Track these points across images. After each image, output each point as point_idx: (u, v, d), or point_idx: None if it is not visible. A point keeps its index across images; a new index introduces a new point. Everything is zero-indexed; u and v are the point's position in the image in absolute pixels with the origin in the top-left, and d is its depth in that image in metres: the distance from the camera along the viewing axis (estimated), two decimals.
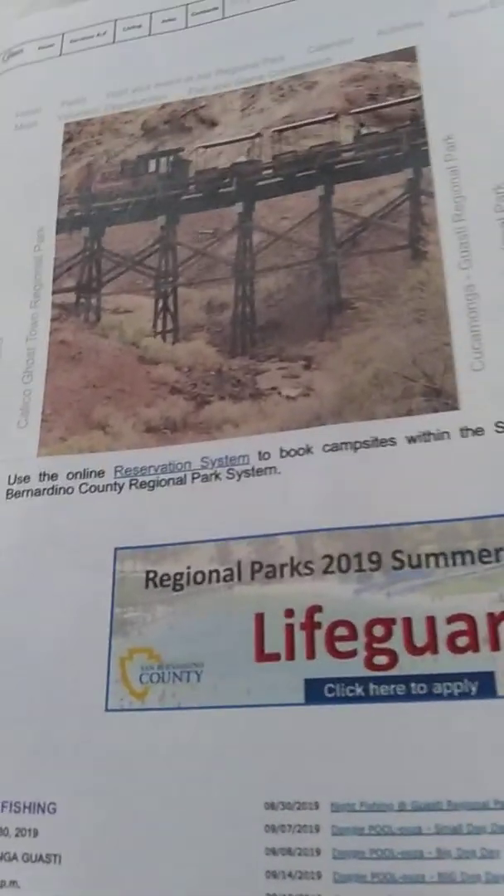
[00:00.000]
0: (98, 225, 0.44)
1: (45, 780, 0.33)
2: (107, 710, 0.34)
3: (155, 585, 0.35)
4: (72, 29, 0.48)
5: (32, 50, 0.48)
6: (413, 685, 0.31)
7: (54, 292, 0.42)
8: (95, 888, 0.32)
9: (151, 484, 0.37)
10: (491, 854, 0.29)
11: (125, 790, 0.32)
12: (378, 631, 0.32)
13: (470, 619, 0.32)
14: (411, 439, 0.35)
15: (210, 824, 0.31)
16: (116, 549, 0.36)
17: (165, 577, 0.35)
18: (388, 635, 0.32)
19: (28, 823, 0.33)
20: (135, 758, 0.33)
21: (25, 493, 0.38)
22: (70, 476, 0.38)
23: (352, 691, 0.32)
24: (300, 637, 0.33)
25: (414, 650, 0.32)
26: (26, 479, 0.38)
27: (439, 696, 0.31)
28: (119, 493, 0.37)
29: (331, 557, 0.34)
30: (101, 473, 0.38)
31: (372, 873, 0.29)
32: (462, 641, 0.31)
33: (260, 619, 0.33)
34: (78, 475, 0.38)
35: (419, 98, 0.41)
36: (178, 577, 0.35)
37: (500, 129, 0.39)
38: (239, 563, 0.35)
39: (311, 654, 0.32)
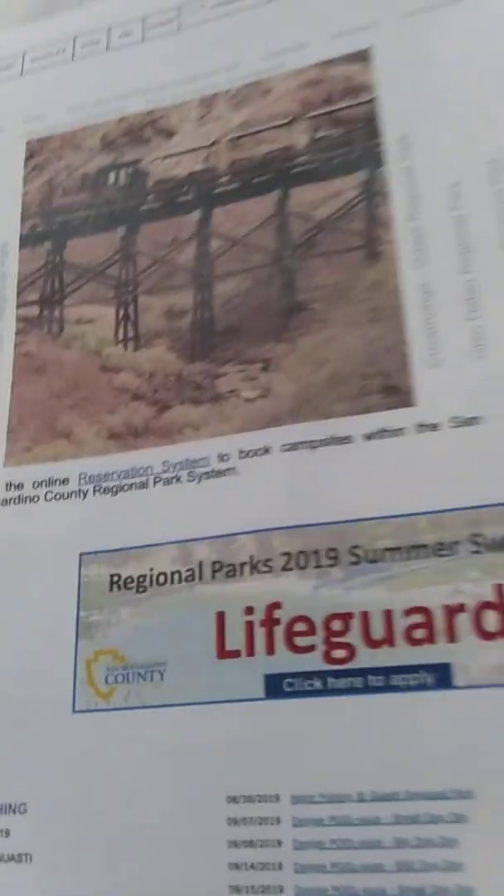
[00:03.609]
0: (60, 238, 0.44)
1: (15, 781, 0.34)
2: (74, 711, 0.34)
3: (119, 588, 0.35)
4: (32, 48, 0.49)
5: None
6: (371, 678, 0.32)
7: (18, 306, 0.43)
8: (67, 887, 0.32)
9: (115, 489, 0.37)
10: (448, 842, 0.29)
11: (93, 789, 0.33)
12: (336, 625, 0.32)
13: (426, 612, 0.32)
14: (368, 436, 0.35)
15: (175, 819, 0.32)
16: (81, 555, 0.36)
17: (129, 580, 0.35)
18: (346, 629, 0.32)
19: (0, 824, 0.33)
20: (102, 757, 0.33)
21: None
22: (36, 485, 0.38)
23: (310, 685, 0.32)
24: (260, 633, 0.33)
25: (371, 643, 0.32)
26: None
27: (396, 689, 0.31)
28: (83, 499, 0.38)
29: (289, 554, 0.34)
30: (65, 481, 0.38)
31: (332, 863, 0.30)
32: (419, 634, 0.32)
33: (221, 617, 0.34)
34: (43, 483, 0.38)
35: (373, 99, 0.41)
36: (141, 579, 0.35)
37: (456, 125, 0.39)
38: (200, 564, 0.35)
39: (270, 649, 0.33)
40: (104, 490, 0.38)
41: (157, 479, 0.37)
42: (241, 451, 0.36)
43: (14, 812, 0.33)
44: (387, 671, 0.32)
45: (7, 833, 0.33)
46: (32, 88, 0.48)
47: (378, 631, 0.32)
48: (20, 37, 0.49)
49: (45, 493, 0.38)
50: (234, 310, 0.40)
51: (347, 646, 0.32)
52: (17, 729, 0.35)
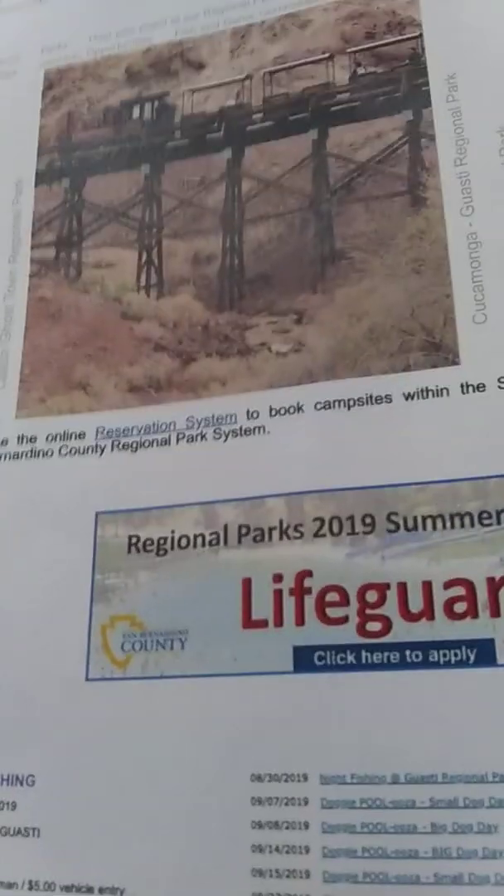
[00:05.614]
0: (79, 175, 0.42)
1: (23, 752, 0.32)
2: (87, 679, 0.33)
3: (138, 550, 0.34)
4: None
5: None
6: (408, 653, 0.30)
7: (33, 247, 0.41)
8: (75, 863, 0.31)
9: (134, 445, 0.36)
10: (488, 829, 0.28)
11: (106, 762, 0.31)
12: (371, 596, 0.31)
13: (468, 584, 0.31)
14: (408, 396, 0.34)
15: (194, 797, 0.30)
16: (98, 514, 0.35)
17: (149, 542, 0.34)
18: (382, 601, 0.31)
19: (6, 796, 0.32)
20: (116, 729, 0.32)
21: (3, 457, 0.37)
22: (50, 438, 0.37)
23: (343, 659, 0.31)
24: (289, 603, 0.32)
25: (409, 616, 0.31)
26: (4, 442, 0.37)
27: (435, 665, 0.30)
28: (100, 455, 0.36)
29: (322, 520, 0.33)
30: (81, 435, 0.37)
31: (363, 848, 0.28)
32: (460, 607, 0.30)
33: (247, 584, 0.32)
34: (58, 437, 0.37)
35: (419, 36, 0.39)
36: (161, 541, 0.34)
37: None
38: (225, 527, 0.33)
39: (300, 620, 0.31)
40: (123, 446, 0.36)
41: (181, 436, 0.36)
42: (271, 409, 0.35)
43: (21, 784, 0.32)
44: (425, 646, 0.30)
45: (13, 806, 0.32)
46: (52, 15, 0.46)
47: (416, 603, 0.31)
48: None
49: (60, 448, 0.37)
50: (266, 257, 0.38)
51: (383, 618, 0.31)
52: (27, 696, 0.33)
